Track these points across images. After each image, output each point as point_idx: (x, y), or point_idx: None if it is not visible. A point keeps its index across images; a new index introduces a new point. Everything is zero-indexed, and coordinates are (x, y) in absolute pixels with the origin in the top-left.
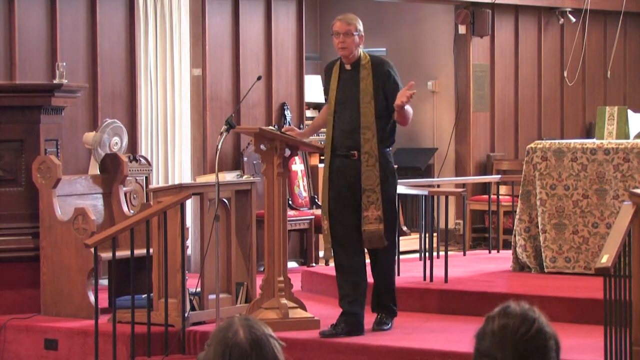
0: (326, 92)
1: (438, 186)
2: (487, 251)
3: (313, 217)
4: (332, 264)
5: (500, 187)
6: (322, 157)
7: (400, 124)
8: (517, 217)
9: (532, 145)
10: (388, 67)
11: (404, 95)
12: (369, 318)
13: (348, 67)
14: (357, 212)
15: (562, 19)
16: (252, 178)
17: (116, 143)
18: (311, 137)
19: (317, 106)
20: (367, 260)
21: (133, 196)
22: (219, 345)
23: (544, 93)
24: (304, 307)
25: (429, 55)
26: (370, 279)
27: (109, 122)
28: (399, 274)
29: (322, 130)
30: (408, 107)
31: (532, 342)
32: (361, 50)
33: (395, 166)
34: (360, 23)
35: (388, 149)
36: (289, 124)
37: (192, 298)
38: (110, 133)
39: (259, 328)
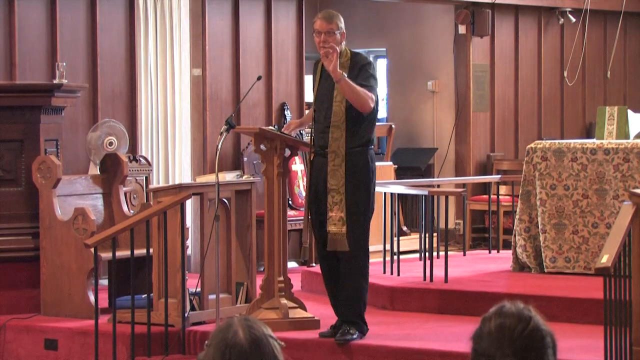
0: (313, 86)
1: (438, 186)
2: (487, 251)
3: None
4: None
5: (500, 187)
6: None
7: (355, 106)
8: (517, 217)
9: (532, 145)
10: (364, 62)
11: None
12: (374, 316)
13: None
14: None
15: (562, 19)
16: (252, 178)
17: (110, 143)
18: None
19: None
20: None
21: (133, 196)
22: (218, 345)
23: (544, 93)
24: (304, 307)
25: (429, 55)
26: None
27: (105, 120)
28: (399, 274)
29: None
30: (351, 85)
31: (529, 340)
32: (343, 47)
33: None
34: (342, 20)
35: (364, 148)
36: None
37: (192, 298)
38: (105, 131)
39: (259, 328)
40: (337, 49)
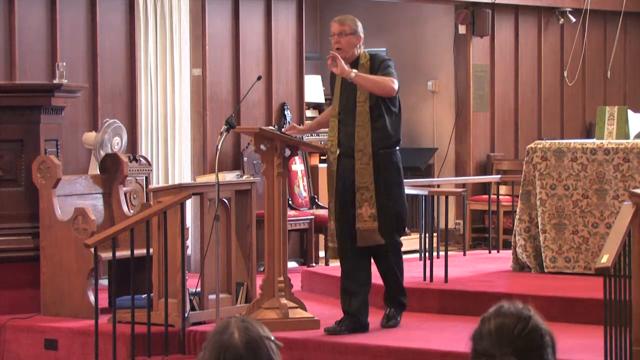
0: (332, 92)
1: (438, 186)
2: (487, 251)
3: (313, 217)
4: (332, 264)
5: (500, 187)
6: (322, 157)
7: (377, 94)
8: (517, 217)
9: (532, 145)
10: (383, 59)
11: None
12: (377, 316)
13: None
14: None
15: (562, 19)
16: (252, 178)
17: (117, 143)
18: (311, 137)
19: (317, 106)
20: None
21: (133, 196)
22: (214, 347)
23: (544, 93)
24: (304, 307)
25: (429, 55)
26: (376, 279)
27: (109, 122)
28: None
29: (323, 130)
30: (366, 77)
31: (529, 339)
32: (361, 51)
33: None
34: (358, 24)
35: (390, 149)
36: (289, 124)
37: (192, 298)
38: (111, 133)
39: (255, 330)
40: (335, 54)
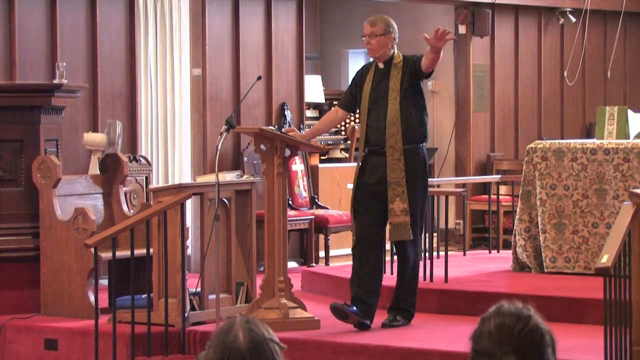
0: (351, 93)
1: (438, 186)
2: (487, 251)
3: (313, 217)
4: (332, 264)
5: (500, 187)
6: (322, 157)
7: (424, 67)
8: (517, 217)
9: (532, 145)
10: (416, 55)
11: (441, 39)
12: (378, 316)
13: (381, 65)
14: (385, 207)
15: (562, 19)
16: (252, 178)
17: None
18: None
19: (317, 106)
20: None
21: (133, 196)
22: (218, 347)
23: (544, 93)
24: (304, 307)
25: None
26: (388, 281)
27: (111, 122)
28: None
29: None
30: (433, 55)
31: (529, 338)
32: (395, 51)
33: (429, 163)
34: (391, 24)
35: (419, 145)
36: (289, 124)
37: (192, 298)
38: (121, 134)
39: (259, 331)
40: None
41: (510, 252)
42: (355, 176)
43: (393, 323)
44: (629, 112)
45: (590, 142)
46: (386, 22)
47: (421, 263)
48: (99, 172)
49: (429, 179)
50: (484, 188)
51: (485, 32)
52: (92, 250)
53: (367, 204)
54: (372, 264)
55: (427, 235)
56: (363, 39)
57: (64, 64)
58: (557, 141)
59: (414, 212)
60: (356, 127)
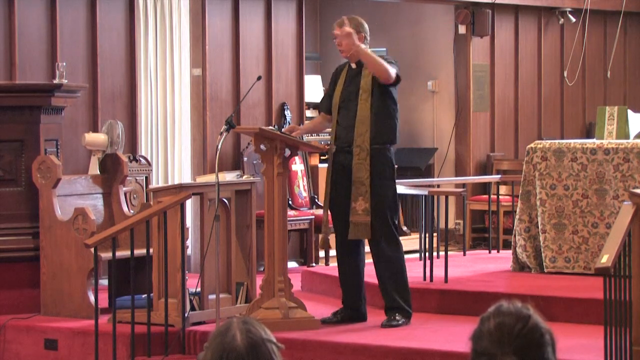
0: (328, 94)
1: (438, 186)
2: (487, 251)
3: (313, 217)
4: (332, 264)
5: (500, 187)
6: (322, 157)
7: (375, 75)
8: (517, 217)
9: (532, 145)
10: (388, 58)
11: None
12: (378, 316)
13: (354, 65)
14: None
15: (562, 19)
16: (252, 178)
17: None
18: (310, 137)
19: (317, 106)
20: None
21: (133, 196)
22: (216, 349)
23: (544, 93)
24: (304, 307)
25: (429, 55)
26: (370, 278)
27: (111, 122)
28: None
29: (326, 130)
30: (370, 54)
31: (529, 338)
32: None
33: (395, 166)
34: (362, 24)
35: (386, 145)
36: (289, 124)
37: (192, 298)
38: (121, 133)
39: (257, 332)
40: (349, 30)
41: (510, 252)
42: (327, 177)
43: (392, 323)
44: (629, 112)
45: (590, 142)
46: (356, 22)
47: (421, 263)
48: (98, 172)
49: (395, 180)
50: (484, 188)
51: (485, 32)
52: (92, 250)
53: (338, 208)
54: (351, 272)
55: (427, 235)
56: (334, 40)
57: (64, 64)
58: (557, 141)
59: (382, 211)
60: None
